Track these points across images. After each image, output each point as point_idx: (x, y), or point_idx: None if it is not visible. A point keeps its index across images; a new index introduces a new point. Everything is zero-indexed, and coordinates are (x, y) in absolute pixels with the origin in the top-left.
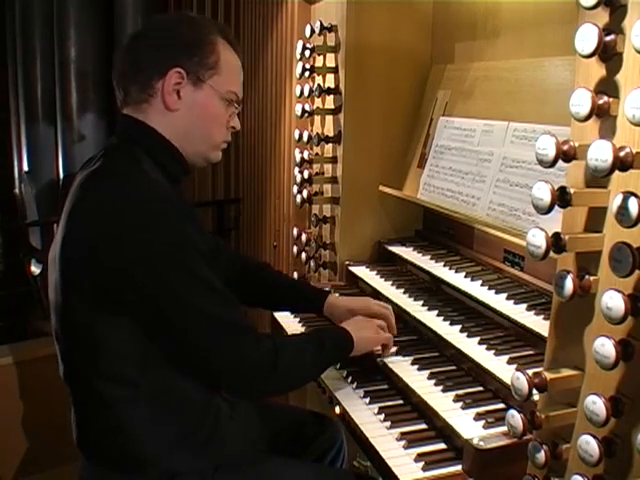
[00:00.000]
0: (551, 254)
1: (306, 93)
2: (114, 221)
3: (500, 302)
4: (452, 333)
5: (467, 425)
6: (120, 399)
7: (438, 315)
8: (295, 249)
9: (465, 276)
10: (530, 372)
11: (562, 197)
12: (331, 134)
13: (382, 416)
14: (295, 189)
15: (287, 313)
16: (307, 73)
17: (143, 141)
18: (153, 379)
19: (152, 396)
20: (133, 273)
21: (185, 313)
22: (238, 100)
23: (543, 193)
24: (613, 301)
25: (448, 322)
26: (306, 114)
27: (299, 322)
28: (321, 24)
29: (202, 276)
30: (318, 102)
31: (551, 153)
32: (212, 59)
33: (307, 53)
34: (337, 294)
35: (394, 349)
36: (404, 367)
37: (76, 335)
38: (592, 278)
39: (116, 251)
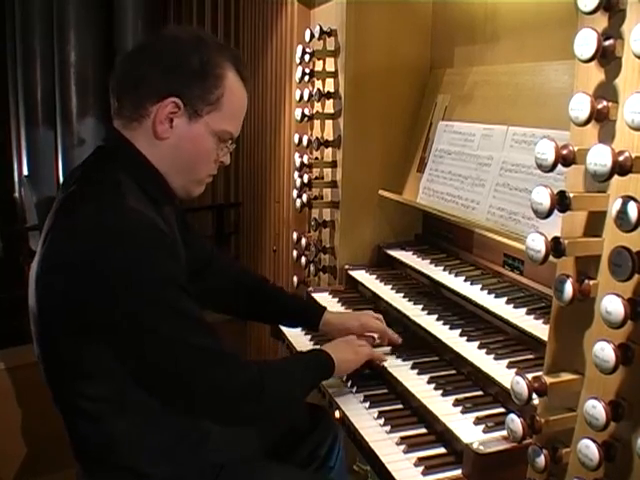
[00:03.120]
0: (551, 258)
1: (306, 97)
2: (86, 254)
3: (500, 306)
4: (452, 337)
5: (467, 429)
6: (109, 415)
7: (438, 319)
8: (295, 253)
9: (465, 280)
10: (530, 376)
11: (561, 201)
12: (331, 138)
13: (382, 420)
14: (295, 193)
15: None
16: (307, 77)
17: (128, 164)
18: (141, 397)
19: (141, 411)
20: (107, 307)
21: (163, 347)
22: (233, 139)
23: (542, 197)
24: (613, 305)
25: (448, 326)
26: (306, 118)
27: (301, 330)
28: (321, 28)
29: (180, 308)
30: (318, 106)
31: (550, 157)
32: (216, 94)
33: (307, 57)
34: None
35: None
36: (404, 371)
37: (56, 361)
38: (592, 282)
39: (89, 284)
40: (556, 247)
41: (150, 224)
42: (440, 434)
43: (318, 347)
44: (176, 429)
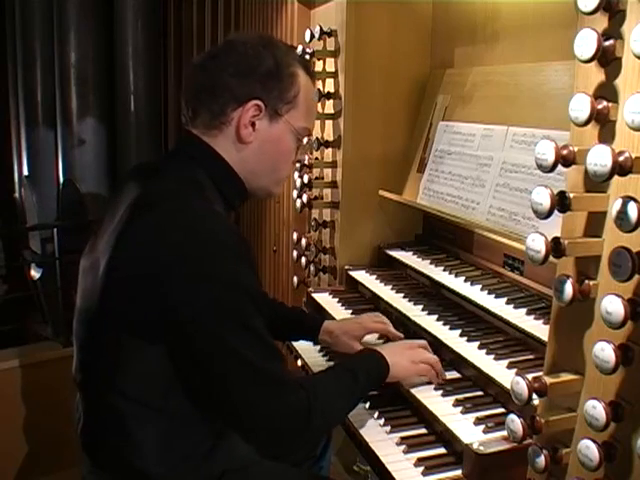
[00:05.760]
0: (551, 259)
1: None
2: (167, 254)
3: (500, 306)
4: (452, 337)
5: (467, 430)
6: (134, 416)
7: (438, 319)
8: (295, 253)
9: (465, 280)
10: (530, 377)
11: (561, 202)
12: (331, 139)
13: (382, 421)
14: (295, 193)
15: None
16: None
17: (209, 167)
18: (172, 403)
19: (166, 416)
20: (178, 309)
21: (223, 358)
22: (310, 135)
23: (542, 198)
24: (613, 306)
25: (448, 326)
26: None
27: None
28: (321, 29)
29: (249, 322)
30: (318, 107)
31: (550, 158)
32: (292, 93)
33: (307, 58)
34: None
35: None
36: None
37: (102, 350)
38: (592, 283)
39: (164, 284)
40: (556, 247)
41: (232, 229)
42: (440, 434)
43: (374, 350)
44: (193, 439)
